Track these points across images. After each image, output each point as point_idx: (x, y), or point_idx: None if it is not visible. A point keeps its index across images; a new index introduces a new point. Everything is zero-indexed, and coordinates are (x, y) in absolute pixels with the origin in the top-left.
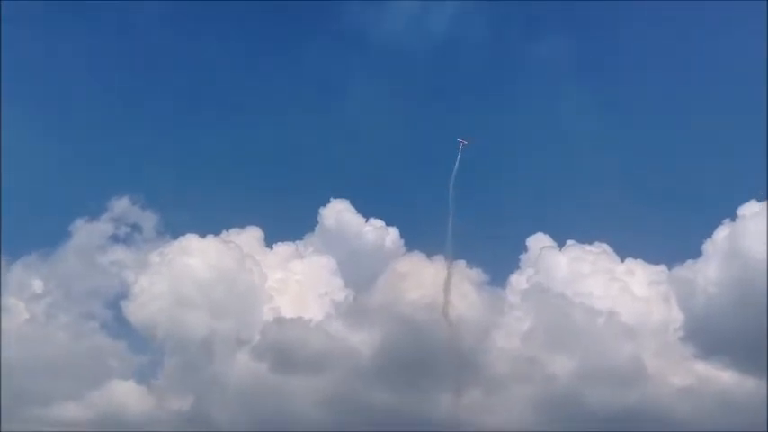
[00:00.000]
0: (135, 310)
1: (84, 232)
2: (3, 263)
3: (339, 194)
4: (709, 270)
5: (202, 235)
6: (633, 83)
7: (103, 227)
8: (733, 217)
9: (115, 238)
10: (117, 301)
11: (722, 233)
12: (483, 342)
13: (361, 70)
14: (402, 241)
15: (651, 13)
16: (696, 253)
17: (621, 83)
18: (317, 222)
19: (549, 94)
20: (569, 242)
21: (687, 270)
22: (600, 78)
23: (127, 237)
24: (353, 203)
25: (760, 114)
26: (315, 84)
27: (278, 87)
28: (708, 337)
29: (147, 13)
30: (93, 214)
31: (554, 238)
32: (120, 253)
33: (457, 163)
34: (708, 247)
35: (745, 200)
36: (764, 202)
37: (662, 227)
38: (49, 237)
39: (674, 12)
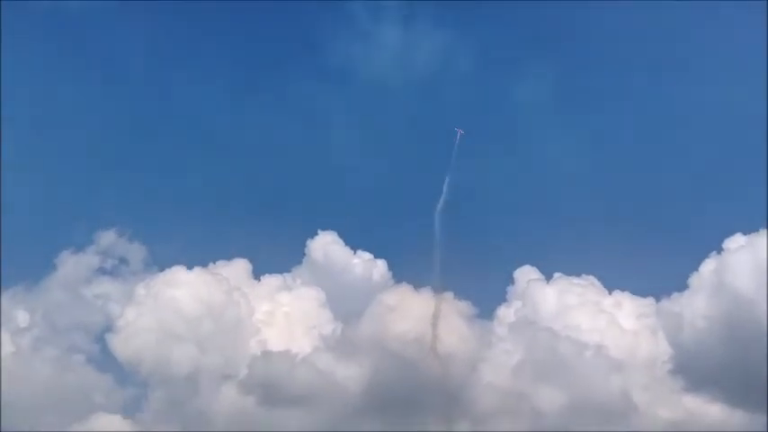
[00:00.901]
0: (120, 344)
1: (71, 264)
2: None
3: (327, 227)
4: (697, 303)
5: (190, 267)
6: (619, 115)
7: (90, 259)
8: (719, 250)
9: (102, 271)
10: (103, 334)
11: (709, 266)
12: (471, 376)
13: (347, 103)
14: (390, 273)
15: (639, 49)
16: (682, 286)
17: (606, 115)
18: (305, 254)
19: (534, 127)
20: (556, 275)
21: (674, 303)
22: (585, 110)
23: (114, 269)
24: (341, 236)
25: (751, 147)
26: (301, 115)
27: (264, 119)
28: (696, 370)
29: (133, 48)
30: (80, 246)
31: (541, 270)
32: (106, 285)
33: (454, 154)
34: (694, 280)
35: (732, 233)
36: (750, 236)
37: (649, 259)
38: (34, 269)
39: (660, 45)
